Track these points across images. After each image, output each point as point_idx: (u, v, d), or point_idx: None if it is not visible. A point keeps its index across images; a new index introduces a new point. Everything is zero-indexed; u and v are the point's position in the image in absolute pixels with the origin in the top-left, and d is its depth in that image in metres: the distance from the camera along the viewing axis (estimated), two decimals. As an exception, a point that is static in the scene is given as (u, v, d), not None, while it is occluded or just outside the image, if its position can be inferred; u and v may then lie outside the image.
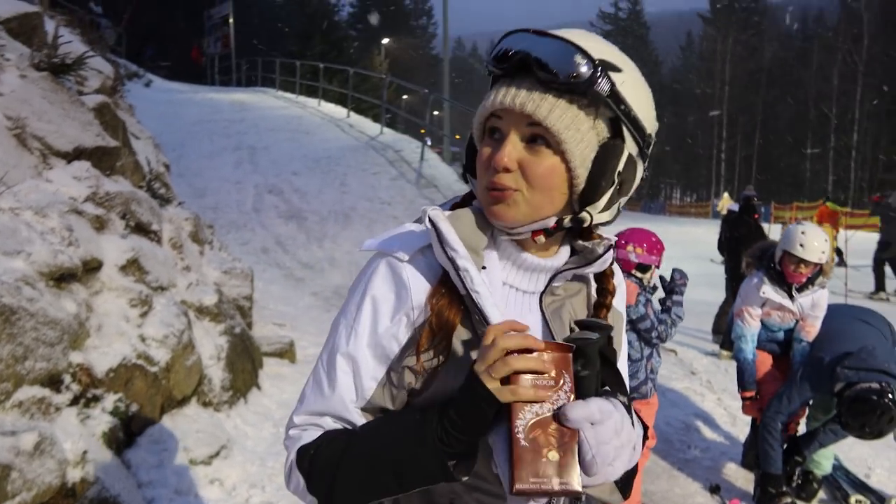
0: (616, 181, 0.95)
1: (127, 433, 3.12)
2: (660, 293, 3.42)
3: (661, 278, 3.40)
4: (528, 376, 0.84)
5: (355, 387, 0.98)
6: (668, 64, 64.15)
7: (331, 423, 0.99)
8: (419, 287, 0.96)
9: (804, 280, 3.51)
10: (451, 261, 0.92)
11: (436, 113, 22.94)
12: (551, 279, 1.02)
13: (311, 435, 0.98)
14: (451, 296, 0.96)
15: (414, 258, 0.97)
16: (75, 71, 4.56)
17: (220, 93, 20.64)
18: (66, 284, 3.08)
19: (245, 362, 4.38)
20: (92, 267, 3.34)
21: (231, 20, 24.24)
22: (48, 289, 2.89)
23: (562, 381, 0.86)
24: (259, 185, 11.58)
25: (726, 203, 17.03)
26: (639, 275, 3.28)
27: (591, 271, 1.04)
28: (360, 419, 0.99)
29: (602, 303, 1.08)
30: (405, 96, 36.33)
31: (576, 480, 0.83)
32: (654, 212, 45.52)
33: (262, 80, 22.98)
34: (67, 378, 2.83)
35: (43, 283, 2.86)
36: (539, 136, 0.91)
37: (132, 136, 5.29)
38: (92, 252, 3.34)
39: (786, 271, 3.52)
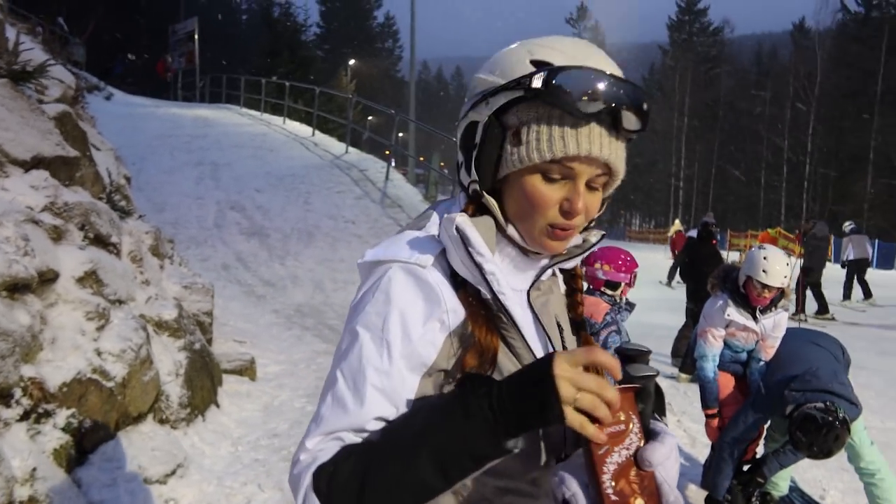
0: None
1: (79, 450, 3.01)
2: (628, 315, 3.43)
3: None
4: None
5: (390, 401, 0.90)
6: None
7: (352, 438, 0.89)
8: (449, 292, 0.94)
9: (768, 303, 3.59)
10: (479, 266, 0.92)
11: (401, 134, 23.02)
12: (538, 275, 1.04)
13: (330, 452, 0.87)
14: (483, 307, 0.95)
15: (434, 264, 0.95)
16: (36, 79, 4.46)
17: (183, 108, 20.39)
18: (20, 295, 2.97)
19: (204, 379, 4.28)
20: (48, 278, 3.24)
21: (196, 36, 24.06)
22: (1, 299, 2.79)
23: (631, 424, 0.87)
24: (221, 201, 11.42)
25: (676, 228, 17.65)
26: (609, 292, 3.31)
27: (574, 264, 1.08)
28: None
29: (576, 299, 1.12)
30: (370, 117, 36.39)
31: None
32: (614, 237, 46.28)
33: (227, 97, 22.80)
34: (18, 392, 2.72)
35: (-4, 292, 2.76)
36: (601, 180, 0.96)
37: (93, 147, 5.17)
38: (48, 263, 3.24)
39: (750, 295, 3.59)
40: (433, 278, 0.93)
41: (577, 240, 1.04)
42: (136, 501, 3.03)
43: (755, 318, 3.64)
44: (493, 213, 0.98)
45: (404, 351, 0.91)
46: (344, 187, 12.47)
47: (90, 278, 3.55)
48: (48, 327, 3.11)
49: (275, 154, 14.61)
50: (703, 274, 7.05)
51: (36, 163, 3.86)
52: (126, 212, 5.08)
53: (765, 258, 3.54)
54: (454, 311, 0.93)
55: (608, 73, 0.91)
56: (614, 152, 0.93)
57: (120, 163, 6.12)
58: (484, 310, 0.95)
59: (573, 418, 0.79)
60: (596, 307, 3.28)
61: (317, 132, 16.90)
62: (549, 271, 1.06)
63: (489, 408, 0.80)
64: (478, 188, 0.98)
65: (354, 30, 50.95)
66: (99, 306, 3.43)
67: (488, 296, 0.94)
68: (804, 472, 4.23)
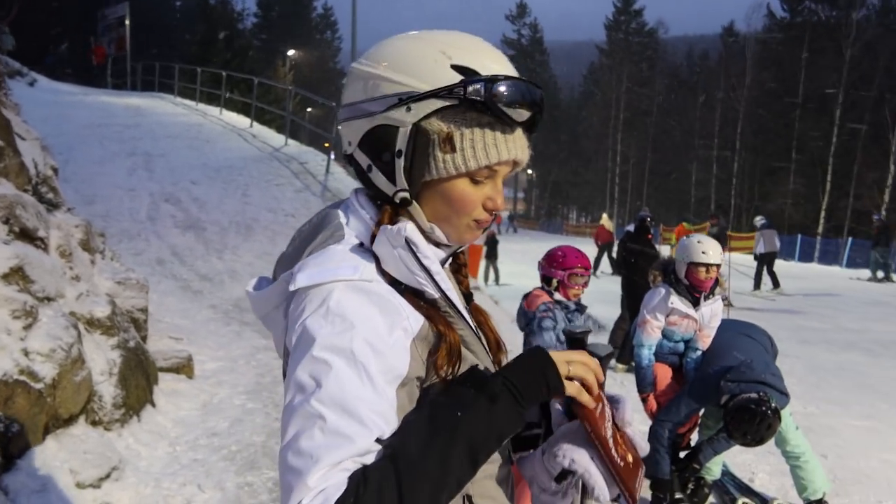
0: None
1: (5, 456, 2.88)
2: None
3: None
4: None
5: (385, 421, 0.87)
6: (566, 90, 66.90)
7: (354, 466, 0.84)
8: (401, 299, 0.94)
9: (712, 284, 3.74)
10: (427, 269, 0.95)
11: (341, 127, 22.81)
12: (443, 264, 1.08)
13: (339, 486, 0.81)
14: (432, 307, 0.97)
15: (378, 276, 0.95)
16: (-47, 63, 4.21)
17: (114, 96, 19.61)
18: (-61, 293, 2.82)
19: (139, 378, 4.15)
20: (-31, 274, 3.08)
21: (127, 21, 23.13)
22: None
23: (603, 400, 1.02)
24: (155, 193, 11.04)
25: (603, 221, 18.56)
26: (546, 287, 3.38)
27: (465, 246, 1.12)
28: None
29: (462, 273, 1.17)
30: (310, 109, 35.84)
31: (641, 463, 1.06)
32: (552, 231, 47.16)
33: (160, 86, 22.04)
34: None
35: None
36: (510, 174, 1.03)
37: (17, 137, 4.92)
38: (-31, 258, 3.08)
39: (695, 280, 3.74)
40: (383, 290, 0.93)
41: None
42: (68, 507, 2.92)
43: (696, 306, 3.78)
44: (418, 219, 1.00)
45: (380, 367, 0.88)
46: (283, 180, 12.25)
47: (16, 274, 3.39)
48: (-30, 326, 2.95)
49: (211, 145, 14.22)
50: (637, 267, 7.27)
51: (-45, 152, 3.65)
52: (54, 204, 4.86)
53: (699, 241, 3.74)
54: (412, 316, 0.94)
55: (528, 80, 0.99)
56: (528, 151, 1.03)
57: (47, 153, 5.84)
58: (435, 309, 0.97)
59: (570, 387, 0.95)
60: (535, 299, 3.35)
61: (255, 123, 16.54)
62: (449, 258, 1.11)
63: (509, 390, 0.90)
64: (408, 197, 0.98)
65: (293, 20, 49.99)
66: (26, 304, 3.27)
67: (436, 295, 0.96)
68: (734, 457, 4.41)
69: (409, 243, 0.93)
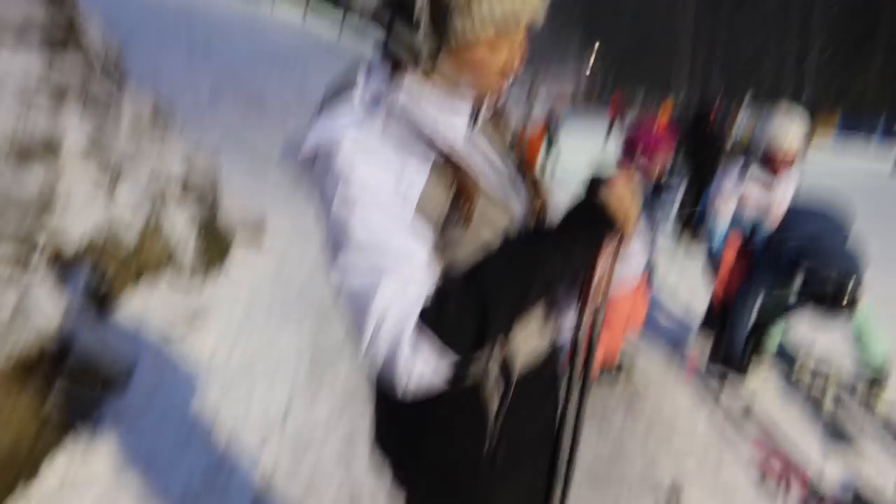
0: None
1: (101, 304, 3.17)
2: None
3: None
4: None
5: (415, 234, 0.97)
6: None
7: (420, 277, 0.94)
8: (405, 154, 0.99)
9: (790, 165, 3.55)
10: (426, 136, 1.01)
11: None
12: (475, 117, 1.13)
13: (417, 298, 0.92)
14: (444, 154, 1.02)
15: (380, 133, 0.99)
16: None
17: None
18: (29, 161, 3.02)
19: (214, 243, 4.41)
20: (53, 144, 3.27)
21: None
22: (10, 165, 2.83)
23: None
24: (214, 76, 11.16)
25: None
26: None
27: (501, 100, 1.18)
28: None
29: (514, 137, 1.24)
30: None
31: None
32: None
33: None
34: (37, 253, 2.83)
35: (2, 159, 2.80)
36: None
37: (81, 14, 5.01)
38: (53, 129, 3.26)
39: (771, 160, 3.54)
40: (387, 145, 0.97)
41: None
42: (159, 349, 3.23)
43: (773, 180, 3.60)
44: (437, 78, 1.04)
45: (392, 210, 0.95)
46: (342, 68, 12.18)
47: (96, 144, 3.58)
48: (59, 191, 3.17)
49: (268, 35, 14.13)
50: (702, 156, 6.96)
51: (28, 27, 3.77)
52: (122, 80, 5.00)
53: (782, 123, 3.48)
54: (419, 169, 0.98)
55: None
56: (542, 8, 1.02)
57: (110, 31, 5.94)
58: (448, 154, 1.02)
59: (627, 228, 1.06)
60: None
61: (307, 15, 16.27)
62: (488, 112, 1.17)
63: (588, 233, 1.03)
64: (424, 57, 1.01)
65: None
66: (108, 171, 3.48)
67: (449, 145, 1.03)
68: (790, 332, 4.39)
69: (408, 112, 1.00)
